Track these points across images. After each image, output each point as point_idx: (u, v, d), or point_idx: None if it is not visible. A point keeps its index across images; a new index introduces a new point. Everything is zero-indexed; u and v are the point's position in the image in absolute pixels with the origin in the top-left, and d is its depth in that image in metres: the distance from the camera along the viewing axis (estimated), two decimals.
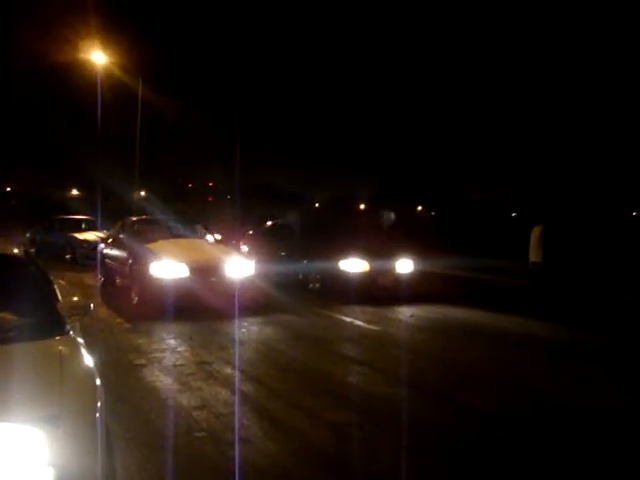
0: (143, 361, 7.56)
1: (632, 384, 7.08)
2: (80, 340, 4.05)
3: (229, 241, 19.32)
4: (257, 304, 11.74)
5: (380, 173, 71.33)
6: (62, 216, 23.66)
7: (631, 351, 8.94)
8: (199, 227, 14.72)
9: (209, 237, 14.26)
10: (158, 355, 7.88)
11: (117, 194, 35.87)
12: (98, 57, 28.47)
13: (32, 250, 19.85)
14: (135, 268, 11.76)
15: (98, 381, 3.37)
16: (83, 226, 22.06)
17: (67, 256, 19.97)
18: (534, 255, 13.35)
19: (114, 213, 22.52)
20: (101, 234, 19.56)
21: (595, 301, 13.28)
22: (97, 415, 2.99)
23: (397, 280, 13.53)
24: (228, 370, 7.22)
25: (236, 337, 9.05)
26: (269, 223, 18.68)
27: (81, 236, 20.10)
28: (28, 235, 22.87)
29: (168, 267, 10.94)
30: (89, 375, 3.37)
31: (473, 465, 4.67)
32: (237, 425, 5.34)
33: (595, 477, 4.55)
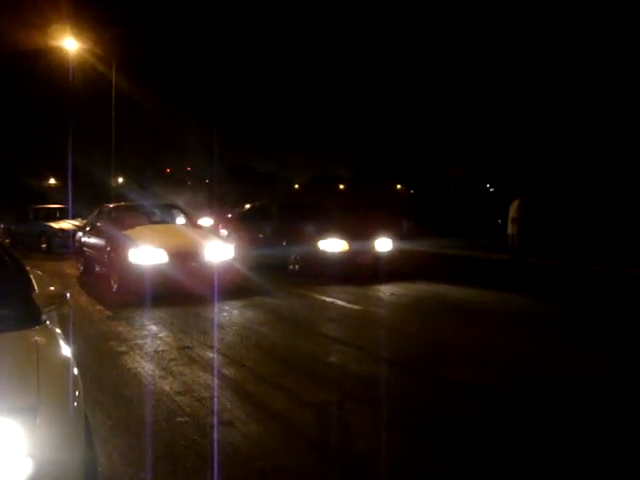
0: (124, 348, 7.54)
1: (613, 356, 7.16)
2: (57, 330, 4.02)
3: (219, 225, 19.19)
4: (237, 287, 11.74)
5: (358, 152, 71.33)
6: (36, 205, 23.45)
7: (611, 323, 9.04)
8: (176, 211, 14.61)
9: (181, 219, 14.17)
10: (139, 342, 7.86)
11: (95, 181, 35.62)
12: (70, 43, 28.11)
13: (7, 240, 19.68)
14: (113, 255, 11.71)
15: (76, 371, 3.36)
16: (58, 215, 21.84)
17: (42, 245, 19.80)
18: (511, 228, 13.47)
19: (92, 201, 22.35)
20: (77, 222, 19.42)
21: (572, 273, 13.39)
22: (75, 405, 2.98)
23: (376, 259, 13.58)
24: (210, 354, 7.23)
25: (217, 321, 9.05)
26: (248, 206, 18.63)
27: (56, 225, 19.93)
28: (2, 225, 22.63)
29: (147, 253, 10.90)
30: (66, 365, 3.35)
31: (455, 441, 4.72)
32: (219, 409, 5.35)
33: (578, 450, 4.61)
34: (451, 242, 19.42)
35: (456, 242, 19.23)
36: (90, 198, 25.18)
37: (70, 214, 21.99)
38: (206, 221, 21.40)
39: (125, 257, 10.99)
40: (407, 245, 15.74)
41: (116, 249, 11.65)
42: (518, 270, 13.17)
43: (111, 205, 14.94)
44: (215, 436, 4.71)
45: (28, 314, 3.74)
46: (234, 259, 11.99)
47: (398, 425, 5.00)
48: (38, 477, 2.56)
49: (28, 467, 2.56)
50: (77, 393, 3.12)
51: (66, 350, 3.57)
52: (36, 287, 4.83)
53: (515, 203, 13.71)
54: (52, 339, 3.63)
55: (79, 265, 14.45)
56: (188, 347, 7.52)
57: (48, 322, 3.84)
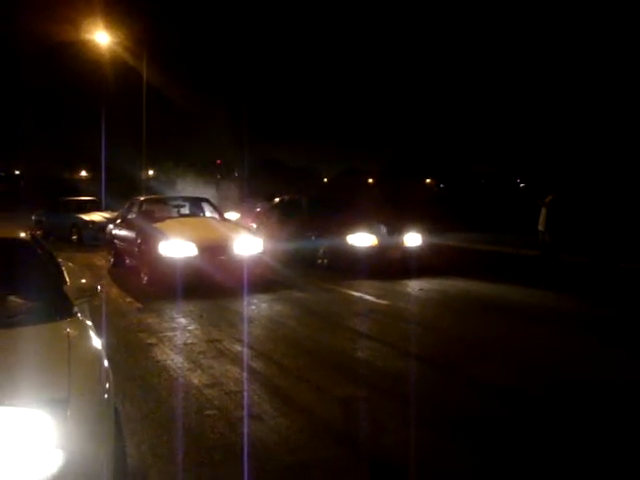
0: (154, 340, 7.60)
1: None
2: (88, 322, 4.07)
3: (248, 218, 19.17)
4: (266, 281, 11.78)
5: (388, 147, 71.15)
6: (67, 197, 23.69)
7: None
8: (206, 204, 14.66)
9: (211, 213, 14.23)
10: (169, 334, 7.92)
11: (126, 174, 35.90)
12: (102, 37, 28.35)
13: (38, 232, 19.90)
14: (144, 248, 11.80)
15: (106, 363, 3.40)
16: (88, 207, 22.03)
17: (73, 237, 20.00)
18: (543, 224, 13.34)
19: (123, 193, 22.51)
20: (107, 214, 19.60)
21: (602, 270, 13.19)
22: (105, 397, 3.02)
23: (405, 254, 13.52)
24: (238, 347, 7.26)
25: (245, 314, 9.09)
26: (277, 199, 18.66)
27: (87, 217, 20.11)
28: (34, 217, 22.89)
29: (177, 246, 10.97)
30: (97, 357, 3.39)
31: (483, 438, 4.69)
32: (247, 402, 5.38)
33: (609, 450, 4.56)
34: (481, 237, 19.28)
35: (486, 237, 19.09)
36: (121, 190, 25.39)
37: (103, 206, 22.21)
38: (232, 215, 21.38)
39: (155, 250, 11.07)
40: (436, 239, 15.64)
41: (146, 242, 11.74)
42: (548, 267, 13.02)
43: (141, 198, 15.04)
44: (244, 430, 4.73)
45: (60, 306, 3.78)
46: (263, 253, 12.01)
47: (427, 421, 4.98)
48: (68, 468, 2.59)
49: (58, 458, 2.59)
50: (107, 385, 3.15)
51: (97, 342, 3.61)
52: (68, 279, 4.89)
53: (549, 199, 13.57)
54: (83, 331, 3.67)
55: (110, 257, 14.58)
56: (217, 340, 7.55)
57: (80, 314, 3.88)
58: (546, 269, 12.91)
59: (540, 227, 13.47)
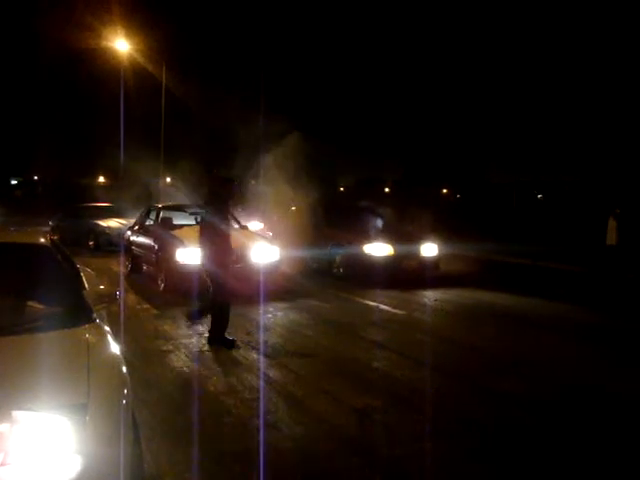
0: (170, 347, 7.61)
1: None
2: (107, 328, 4.08)
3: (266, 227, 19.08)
4: (282, 289, 11.77)
5: (404, 156, 70.98)
6: (84, 203, 23.84)
7: None
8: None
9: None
10: (185, 341, 7.93)
11: (143, 181, 36.08)
12: (121, 44, 28.59)
13: (55, 237, 19.94)
14: (161, 255, 11.85)
15: (125, 369, 3.41)
16: (105, 213, 22.10)
17: (90, 243, 20.08)
18: (610, 239, 13.15)
19: (140, 199, 22.61)
20: (124, 221, 19.65)
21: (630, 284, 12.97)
22: (124, 402, 3.03)
23: (422, 264, 13.48)
24: (254, 355, 7.26)
25: (261, 322, 9.08)
26: (293, 208, 18.64)
27: (104, 223, 20.20)
28: (51, 223, 23.01)
29: (193, 253, 10.99)
30: (116, 363, 3.41)
31: (499, 450, 4.66)
32: (263, 410, 5.37)
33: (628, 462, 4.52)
34: (499, 248, 19.15)
35: (504, 248, 18.95)
36: (138, 197, 25.49)
37: (120, 212, 22.29)
38: (255, 225, 21.32)
39: (172, 257, 11.11)
40: (452, 250, 15.60)
41: (163, 248, 11.79)
42: (605, 281, 12.61)
43: (159, 205, 15.10)
44: (260, 438, 4.72)
45: (80, 312, 3.80)
46: (279, 261, 12.02)
47: (443, 432, 4.96)
48: (86, 473, 2.61)
49: (76, 463, 2.60)
50: (126, 391, 3.17)
51: (116, 348, 3.63)
52: (87, 285, 4.91)
53: (618, 212, 13.41)
54: (103, 337, 3.68)
55: (127, 263, 14.63)
56: (233, 348, 7.56)
57: (99, 320, 3.90)
58: (597, 283, 12.62)
59: (610, 241, 13.18)
